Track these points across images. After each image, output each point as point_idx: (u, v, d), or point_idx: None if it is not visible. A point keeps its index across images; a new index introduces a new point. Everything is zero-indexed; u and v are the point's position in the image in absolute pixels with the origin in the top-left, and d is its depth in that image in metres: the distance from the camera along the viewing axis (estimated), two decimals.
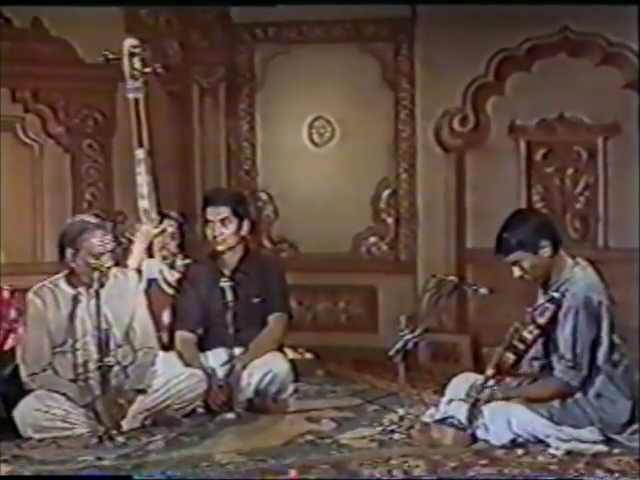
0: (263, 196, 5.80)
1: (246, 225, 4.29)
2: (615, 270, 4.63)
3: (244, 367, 4.14)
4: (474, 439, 3.55)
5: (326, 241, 5.64)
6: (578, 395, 3.56)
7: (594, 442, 3.49)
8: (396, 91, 5.56)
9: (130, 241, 4.37)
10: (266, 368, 4.13)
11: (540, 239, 3.56)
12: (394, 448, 3.60)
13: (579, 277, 3.58)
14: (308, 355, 5.15)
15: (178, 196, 5.37)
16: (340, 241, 5.68)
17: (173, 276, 4.37)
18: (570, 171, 5.32)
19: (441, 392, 3.86)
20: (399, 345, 3.79)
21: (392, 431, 3.78)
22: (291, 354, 4.60)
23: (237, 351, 4.15)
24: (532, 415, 3.52)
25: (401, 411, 3.89)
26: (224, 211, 4.25)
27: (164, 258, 4.42)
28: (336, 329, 5.70)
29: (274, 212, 5.80)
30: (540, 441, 3.51)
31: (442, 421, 3.61)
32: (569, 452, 3.43)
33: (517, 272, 3.60)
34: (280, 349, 4.30)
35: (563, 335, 3.55)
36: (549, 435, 3.50)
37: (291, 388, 4.23)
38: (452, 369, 3.99)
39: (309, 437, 3.76)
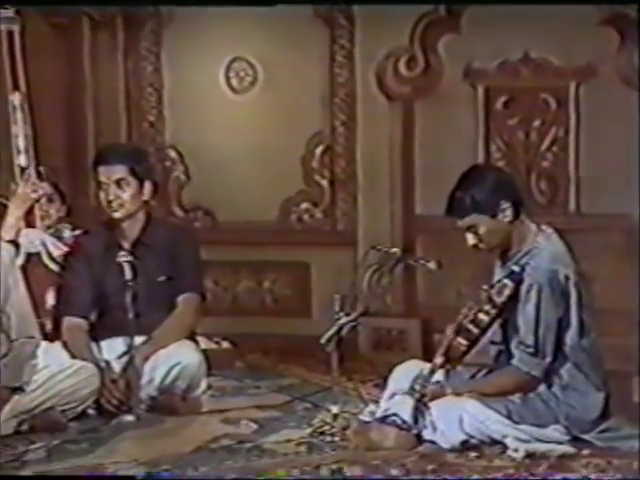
0: (171, 153, 5.81)
1: (148, 187, 4.27)
2: (588, 240, 4.73)
3: (146, 359, 4.13)
4: (420, 440, 3.57)
5: (248, 208, 5.65)
6: (541, 388, 3.58)
7: (559, 442, 3.52)
8: (331, 28, 5.55)
9: (4, 206, 4.28)
10: (173, 360, 4.13)
11: (499, 200, 3.58)
12: (326, 452, 3.62)
13: (543, 247, 3.59)
14: (225, 344, 5.16)
15: (65, 152, 5.31)
16: (265, 208, 5.69)
17: (59, 249, 4.35)
18: (536, 123, 5.34)
19: (383, 386, 3.89)
20: (332, 331, 3.78)
21: (324, 433, 3.80)
22: (204, 343, 4.60)
23: (138, 340, 4.13)
24: (487, 412, 3.54)
25: (335, 409, 3.85)
26: (120, 171, 4.22)
27: (48, 227, 4.39)
28: (260, 313, 5.73)
29: (185, 173, 5.81)
30: (496, 442, 3.54)
31: (383, 420, 3.62)
32: (530, 454, 3.46)
33: (471, 239, 3.62)
34: (191, 337, 4.29)
35: (524, 316, 3.57)
36: (507, 435, 3.53)
37: (204, 384, 4.23)
38: (398, 359, 3.96)
39: (225, 442, 3.77)
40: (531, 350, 3.54)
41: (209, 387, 4.29)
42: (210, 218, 5.79)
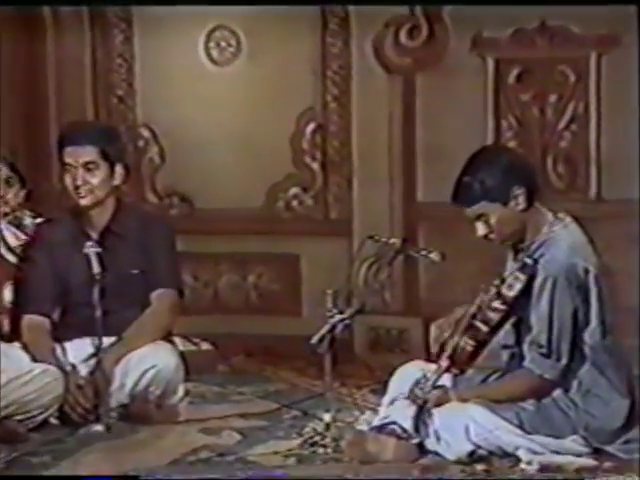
0: (145, 132, 5.79)
1: (119, 171, 4.27)
2: (610, 229, 4.76)
3: (116, 362, 4.12)
4: (422, 451, 3.56)
5: (230, 193, 5.65)
6: (557, 393, 3.57)
7: (577, 455, 3.50)
8: None
9: None
10: (147, 363, 4.12)
11: (511, 186, 3.57)
12: (317, 465, 3.62)
13: (560, 237, 3.58)
14: (205, 346, 5.16)
15: (24, 130, 5.31)
16: (249, 194, 5.69)
17: (17, 239, 4.34)
18: (553, 98, 5.35)
19: (381, 392, 3.90)
20: (324, 330, 3.77)
21: (315, 444, 3.79)
22: (182, 345, 4.60)
23: (106, 341, 4.12)
24: (497, 420, 3.53)
25: (327, 417, 3.83)
26: (89, 152, 4.21)
27: (5, 215, 4.36)
28: (244, 311, 5.73)
29: (160, 155, 5.81)
30: (507, 454, 3.53)
31: (381, 429, 3.60)
32: (544, 467, 3.45)
33: (481, 229, 3.61)
34: (167, 338, 4.29)
35: (537, 313, 3.56)
36: (519, 446, 3.52)
37: (181, 390, 4.23)
38: (398, 361, 3.97)
39: (205, 454, 3.76)
40: (544, 350, 3.54)
41: (187, 393, 4.28)
42: (188, 205, 5.79)
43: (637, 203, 5.05)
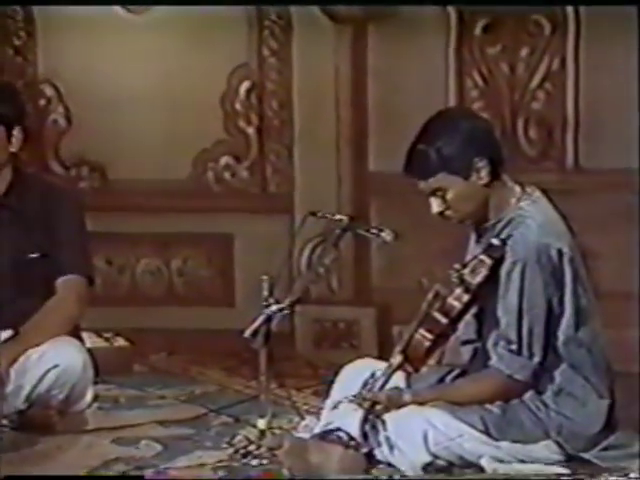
0: (47, 90, 5.78)
1: (17, 135, 4.24)
2: (590, 203, 4.83)
3: (13, 361, 4.09)
4: (371, 461, 3.57)
5: (150, 163, 5.65)
6: (527, 395, 3.58)
7: (549, 462, 3.52)
8: None
9: None
10: (49, 362, 4.10)
11: (473, 156, 3.57)
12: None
13: (529, 215, 3.59)
14: (120, 342, 5.17)
15: None
16: (173, 163, 5.70)
17: None
18: (524, 52, 5.38)
19: (326, 394, 3.89)
20: (259, 321, 3.77)
21: (248, 454, 3.79)
22: (91, 341, 4.61)
23: (2, 335, 4.13)
24: (459, 426, 3.54)
25: (262, 423, 3.82)
26: None
27: None
28: (166, 301, 5.75)
29: (65, 116, 5.80)
30: (470, 464, 3.54)
31: (324, 436, 3.60)
32: (511, 478, 3.48)
33: (436, 206, 3.63)
34: (73, 333, 4.28)
35: (505, 304, 3.57)
36: (483, 455, 3.53)
37: (90, 394, 4.22)
38: (346, 359, 3.98)
39: (119, 467, 3.75)
40: (514, 347, 3.54)
41: (96, 398, 4.29)
42: (99, 176, 5.79)
43: (621, 173, 5.10)
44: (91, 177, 5.78)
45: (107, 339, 5.08)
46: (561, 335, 3.56)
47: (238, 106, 5.68)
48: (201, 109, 5.63)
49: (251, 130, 5.69)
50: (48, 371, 4.07)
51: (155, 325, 5.48)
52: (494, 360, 3.57)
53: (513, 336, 3.54)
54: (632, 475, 3.41)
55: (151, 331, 5.38)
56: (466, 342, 3.72)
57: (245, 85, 5.66)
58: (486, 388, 3.59)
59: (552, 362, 3.57)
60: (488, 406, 3.56)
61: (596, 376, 3.59)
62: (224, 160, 5.72)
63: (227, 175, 5.74)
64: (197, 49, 5.59)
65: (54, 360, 4.07)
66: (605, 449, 3.56)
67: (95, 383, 4.22)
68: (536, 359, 3.54)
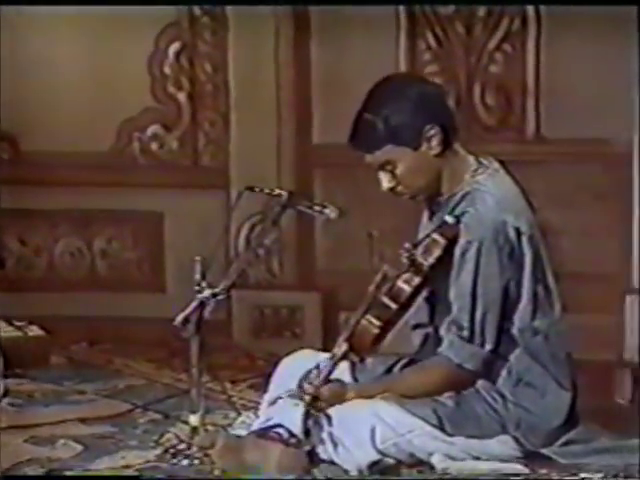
0: None
1: None
2: (553, 176, 4.89)
3: None
4: (314, 460, 3.57)
5: (68, 132, 5.62)
6: (483, 385, 3.61)
7: (506, 459, 3.56)
8: None
9: None
10: None
11: (423, 125, 3.59)
12: None
13: (485, 189, 3.60)
14: (34, 331, 5.12)
15: None
16: (94, 133, 5.69)
17: None
18: (482, 10, 5.36)
19: (263, 387, 3.91)
20: (191, 308, 3.78)
21: (178, 453, 3.83)
22: (3, 329, 4.65)
23: None
24: (410, 421, 3.56)
25: (194, 420, 3.80)
26: None
27: None
28: (88, 286, 5.74)
29: None
30: (420, 462, 3.56)
31: (262, 433, 3.62)
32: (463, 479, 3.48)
33: (386, 181, 3.65)
34: None
35: (458, 287, 3.58)
36: (434, 451, 3.56)
37: (0, 388, 4.26)
38: (287, 349, 4.00)
39: (32, 469, 3.76)
40: (465, 333, 3.56)
41: (7, 392, 4.30)
42: (10, 146, 5.75)
43: (588, 143, 5.14)
44: (1, 148, 5.71)
45: (20, 328, 5.02)
46: (517, 321, 3.59)
47: (167, 70, 5.67)
48: (125, 73, 5.61)
49: (182, 96, 5.69)
50: None
51: (75, 312, 5.47)
52: (444, 347, 3.58)
53: (465, 322, 3.56)
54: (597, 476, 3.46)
55: (70, 319, 5.37)
56: (417, 326, 3.74)
57: (175, 46, 5.65)
58: (434, 378, 3.62)
59: (508, 350, 3.59)
60: (441, 398, 3.58)
61: (555, 365, 3.61)
62: (152, 129, 5.73)
63: (155, 146, 5.74)
64: (122, 8, 5.45)
65: None
66: (566, 444, 3.59)
67: (5, 377, 4.25)
68: (488, 347, 3.56)
